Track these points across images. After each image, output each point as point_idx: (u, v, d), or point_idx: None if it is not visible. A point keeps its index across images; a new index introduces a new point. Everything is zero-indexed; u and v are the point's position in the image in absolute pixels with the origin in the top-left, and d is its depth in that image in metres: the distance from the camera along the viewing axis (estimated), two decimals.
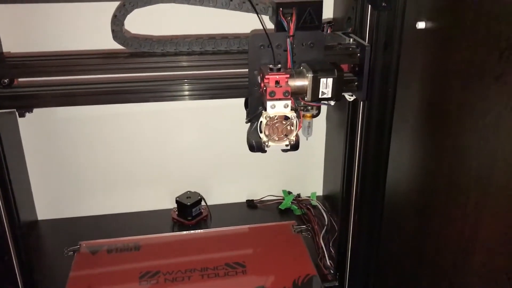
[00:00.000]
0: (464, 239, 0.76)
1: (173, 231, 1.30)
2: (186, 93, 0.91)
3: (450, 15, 0.76)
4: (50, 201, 1.36)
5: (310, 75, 0.83)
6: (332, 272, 1.16)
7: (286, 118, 0.84)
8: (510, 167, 0.65)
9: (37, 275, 1.07)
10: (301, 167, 1.45)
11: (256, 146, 0.89)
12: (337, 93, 0.84)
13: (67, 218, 1.37)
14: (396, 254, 1.01)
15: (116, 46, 0.90)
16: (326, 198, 1.46)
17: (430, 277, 0.88)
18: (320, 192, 1.49)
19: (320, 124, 1.38)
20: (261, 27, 0.85)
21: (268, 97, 0.81)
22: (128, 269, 1.14)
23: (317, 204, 1.42)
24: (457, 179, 0.77)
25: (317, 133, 1.39)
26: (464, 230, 0.76)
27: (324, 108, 1.34)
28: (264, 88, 0.82)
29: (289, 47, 0.85)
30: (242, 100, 0.93)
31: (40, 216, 1.37)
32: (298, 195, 1.46)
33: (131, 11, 0.87)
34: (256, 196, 1.45)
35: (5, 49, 1.13)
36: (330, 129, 1.38)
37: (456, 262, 0.79)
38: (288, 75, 0.82)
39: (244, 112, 0.92)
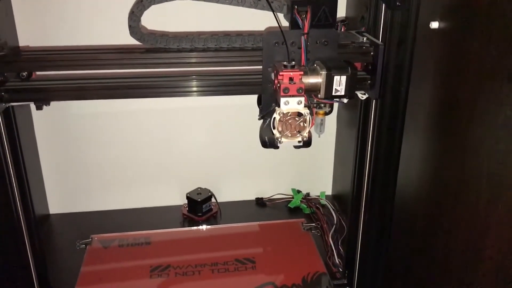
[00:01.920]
0: (475, 239, 0.76)
1: (183, 227, 1.32)
2: (201, 89, 0.92)
3: (463, 15, 0.77)
4: (62, 195, 1.37)
5: (323, 72, 0.84)
6: (340, 270, 1.17)
7: (299, 114, 0.85)
8: None
9: (49, 268, 1.09)
10: (311, 166, 1.46)
11: (269, 142, 0.89)
12: (350, 91, 0.85)
13: (78, 212, 1.38)
14: (406, 254, 1.02)
15: (133, 41, 0.92)
16: (335, 198, 1.46)
17: (440, 277, 0.88)
18: (329, 192, 1.49)
19: (330, 123, 1.39)
20: (275, 25, 0.86)
21: (282, 93, 0.82)
22: (139, 263, 1.15)
23: (326, 203, 1.43)
24: (468, 179, 0.78)
25: (327, 132, 1.38)
26: (475, 230, 0.76)
27: (334, 107, 1.35)
28: (278, 85, 0.83)
29: (303, 45, 0.86)
30: (253, 99, 0.94)
31: (52, 210, 1.38)
32: (307, 194, 1.46)
33: (148, 7, 0.89)
34: (265, 194, 1.45)
35: (23, 43, 1.15)
36: (340, 128, 1.39)
37: (466, 261, 0.79)
38: (302, 72, 0.83)
39: (255, 111, 0.93)
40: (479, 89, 0.74)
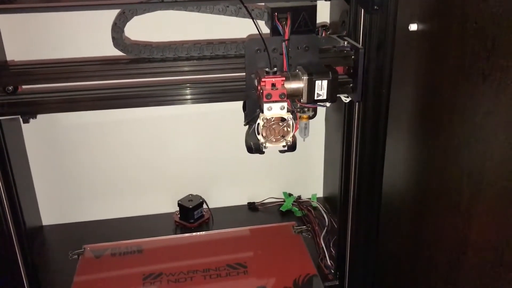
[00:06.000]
0: (458, 236, 0.78)
1: (175, 234, 1.32)
2: (186, 97, 0.93)
3: (440, 18, 0.78)
4: (54, 206, 1.38)
5: (305, 77, 0.85)
6: (333, 271, 1.18)
7: (283, 119, 0.86)
8: (500, 165, 0.67)
9: (42, 279, 1.09)
10: (302, 169, 1.47)
11: (254, 147, 0.90)
12: (332, 95, 0.86)
13: (71, 223, 1.39)
14: (394, 253, 1.03)
15: (117, 52, 0.93)
16: (327, 200, 1.47)
17: (427, 274, 0.89)
18: (320, 194, 1.50)
19: (319, 125, 1.40)
20: (257, 32, 0.87)
21: (264, 99, 0.83)
22: (131, 272, 1.16)
23: (318, 205, 1.44)
24: (450, 177, 0.79)
25: (317, 134, 1.41)
26: (458, 227, 0.78)
27: (322, 110, 1.36)
28: (261, 91, 0.84)
29: (284, 51, 0.87)
30: (242, 104, 0.95)
31: (45, 221, 1.39)
32: (299, 197, 1.47)
33: (130, 18, 0.90)
34: (257, 199, 1.46)
35: (9, 57, 1.16)
36: (329, 130, 1.40)
37: (451, 258, 0.81)
38: (284, 78, 0.84)
39: (243, 116, 0.94)
40: (457, 90, 0.75)
